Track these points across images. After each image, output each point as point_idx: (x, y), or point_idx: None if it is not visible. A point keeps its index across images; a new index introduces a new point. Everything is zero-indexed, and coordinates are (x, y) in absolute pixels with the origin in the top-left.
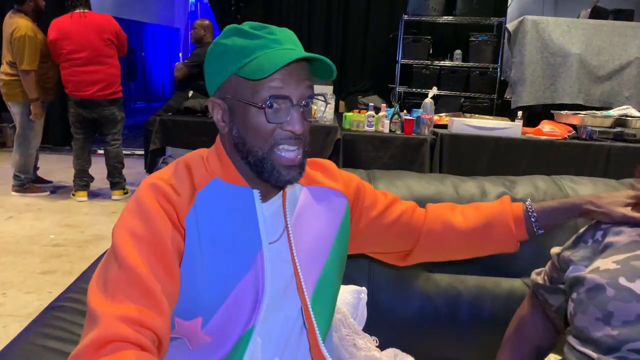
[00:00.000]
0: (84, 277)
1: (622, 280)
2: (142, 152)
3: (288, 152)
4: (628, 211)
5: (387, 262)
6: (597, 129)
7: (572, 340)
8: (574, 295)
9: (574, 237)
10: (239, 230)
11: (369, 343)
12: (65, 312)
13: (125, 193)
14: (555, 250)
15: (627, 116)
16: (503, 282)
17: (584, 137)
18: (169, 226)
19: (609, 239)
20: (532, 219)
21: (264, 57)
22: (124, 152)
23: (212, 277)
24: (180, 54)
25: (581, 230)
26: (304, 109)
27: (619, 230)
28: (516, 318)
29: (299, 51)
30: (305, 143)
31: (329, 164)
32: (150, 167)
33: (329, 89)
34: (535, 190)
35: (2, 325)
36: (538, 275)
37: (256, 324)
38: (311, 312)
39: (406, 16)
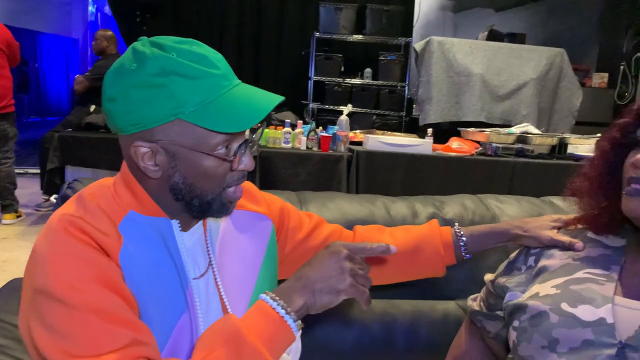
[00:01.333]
0: None
1: (565, 306)
2: (37, 171)
3: (236, 189)
4: (555, 234)
5: None
6: (501, 146)
7: None
8: (516, 323)
9: (506, 263)
10: (169, 265)
11: None
12: None
13: (19, 216)
14: (488, 277)
15: (527, 133)
16: (438, 305)
17: (489, 153)
18: (104, 260)
19: (542, 263)
20: (461, 244)
21: (224, 103)
22: (17, 171)
23: (154, 316)
24: (79, 66)
25: (512, 256)
26: (252, 145)
27: (551, 254)
28: (454, 345)
29: (261, 95)
30: None
31: (250, 185)
32: (48, 189)
33: None
34: (464, 209)
35: None
36: (474, 302)
37: None
38: None
39: (318, 34)
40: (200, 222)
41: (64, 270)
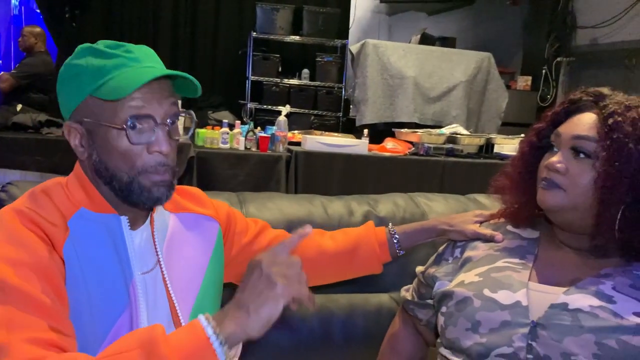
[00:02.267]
0: None
1: (486, 292)
2: None
3: (154, 175)
4: (477, 228)
5: None
6: (433, 146)
7: (444, 351)
8: (444, 309)
9: (435, 256)
10: (113, 262)
11: None
12: None
13: None
14: (419, 268)
15: (456, 134)
16: (372, 298)
17: (421, 153)
18: (46, 251)
19: (467, 254)
20: (395, 242)
21: (121, 77)
22: None
23: (94, 311)
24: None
25: (441, 249)
26: (169, 128)
27: (474, 246)
28: (389, 334)
29: (160, 68)
30: (173, 163)
31: (197, 190)
32: None
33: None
34: (395, 207)
35: None
36: (407, 292)
37: None
38: None
39: (255, 33)
40: (148, 221)
41: (3, 250)
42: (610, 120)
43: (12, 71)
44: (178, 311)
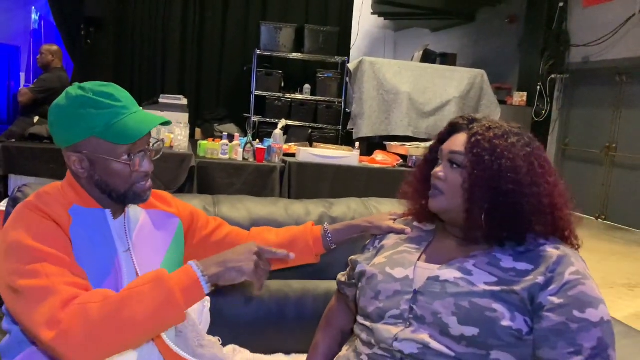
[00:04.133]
0: None
1: (387, 269)
2: None
3: (145, 185)
4: (391, 224)
5: None
6: (421, 158)
7: (358, 317)
8: (359, 285)
9: (362, 247)
10: (101, 242)
11: (212, 342)
12: None
13: None
14: (351, 257)
15: None
16: (322, 285)
17: (410, 165)
18: (59, 230)
19: (382, 242)
20: (328, 238)
21: (123, 125)
22: None
23: (88, 275)
24: (21, 74)
25: (367, 242)
26: (150, 153)
27: (389, 237)
28: (327, 310)
29: (149, 117)
30: (151, 172)
31: (167, 194)
32: None
33: (184, 117)
34: (348, 209)
35: None
36: (342, 276)
37: None
38: None
39: (259, 51)
40: (123, 214)
41: (31, 229)
42: (473, 139)
43: (31, 86)
44: None
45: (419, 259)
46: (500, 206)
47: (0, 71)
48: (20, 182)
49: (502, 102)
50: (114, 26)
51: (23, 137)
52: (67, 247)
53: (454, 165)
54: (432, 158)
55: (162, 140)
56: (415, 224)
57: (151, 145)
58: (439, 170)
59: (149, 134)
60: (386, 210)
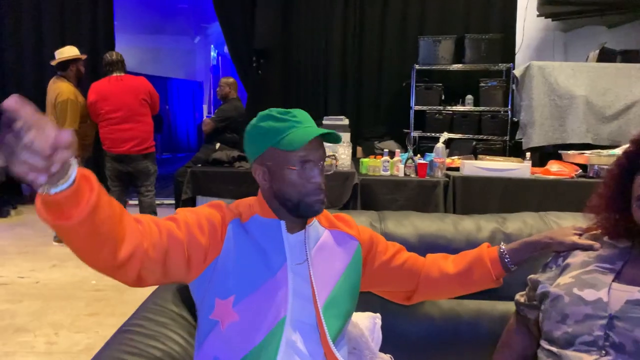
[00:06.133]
0: (139, 310)
1: (575, 290)
2: (172, 201)
3: (314, 197)
4: (576, 239)
5: (395, 302)
6: (604, 167)
7: (542, 342)
8: (543, 306)
9: (543, 265)
10: (270, 249)
11: None
12: (133, 334)
13: None
14: (530, 276)
15: None
16: (498, 305)
17: (591, 175)
18: (212, 221)
19: (567, 261)
20: (506, 259)
21: (293, 135)
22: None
23: (244, 268)
24: (204, 106)
25: (548, 259)
26: (322, 166)
27: (574, 254)
28: (505, 332)
29: (316, 129)
30: (324, 187)
31: (349, 217)
32: None
33: (346, 137)
34: (524, 225)
35: None
36: (521, 297)
37: (287, 314)
38: (323, 321)
39: (417, 66)
40: (303, 230)
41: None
42: None
43: (212, 116)
44: (317, 297)
45: (613, 280)
46: None
47: (187, 105)
48: (205, 202)
49: None
50: (281, 56)
51: (207, 162)
52: (203, 229)
53: None
54: (630, 166)
55: (334, 156)
56: (605, 239)
57: (324, 159)
58: None
59: (323, 150)
60: (567, 225)
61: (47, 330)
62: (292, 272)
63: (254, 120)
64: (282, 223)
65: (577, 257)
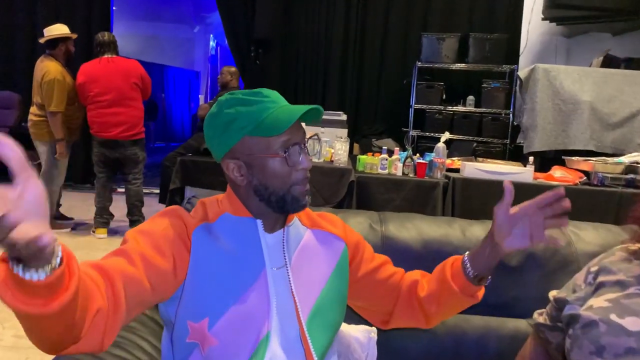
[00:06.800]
0: None
1: (613, 317)
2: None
3: (301, 187)
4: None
5: (370, 322)
6: (609, 175)
7: None
8: (570, 331)
9: (570, 282)
10: (246, 253)
11: None
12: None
13: None
14: (553, 293)
15: (638, 163)
16: (508, 323)
17: (595, 183)
18: (170, 237)
19: (600, 279)
20: (467, 268)
21: (274, 116)
22: (143, 190)
23: (217, 285)
24: (200, 96)
25: (576, 275)
26: (307, 149)
27: (608, 271)
28: (519, 355)
29: (299, 106)
30: (309, 176)
31: (334, 216)
32: (170, 205)
33: (343, 132)
34: None
35: (25, 357)
36: (540, 316)
37: (270, 330)
38: (307, 335)
39: (419, 63)
40: (282, 229)
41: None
42: None
43: (210, 101)
44: (299, 308)
45: None
46: None
47: (183, 94)
48: (194, 194)
49: None
50: (280, 46)
51: (198, 151)
52: (171, 259)
53: None
54: None
55: (317, 136)
56: None
57: (306, 140)
58: None
59: (303, 130)
60: (588, 237)
61: (15, 323)
62: (273, 278)
63: (214, 109)
64: (258, 222)
65: (612, 276)
